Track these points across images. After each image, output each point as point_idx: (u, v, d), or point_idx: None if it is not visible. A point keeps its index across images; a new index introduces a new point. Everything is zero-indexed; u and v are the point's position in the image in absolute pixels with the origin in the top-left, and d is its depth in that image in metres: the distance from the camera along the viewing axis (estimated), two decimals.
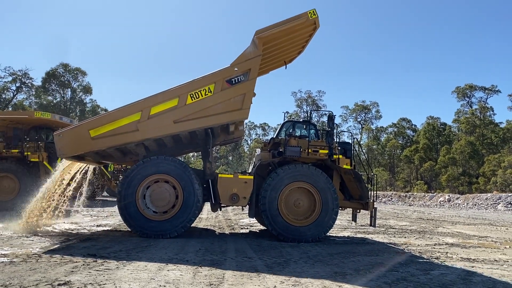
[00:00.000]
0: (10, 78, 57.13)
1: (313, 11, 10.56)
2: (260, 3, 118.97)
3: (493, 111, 59.01)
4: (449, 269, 7.98)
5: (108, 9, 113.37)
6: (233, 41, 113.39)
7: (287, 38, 11.27)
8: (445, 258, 9.14)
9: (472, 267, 8.26)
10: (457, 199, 34.50)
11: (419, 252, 9.95)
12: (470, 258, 9.23)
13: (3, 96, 57.94)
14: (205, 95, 10.52)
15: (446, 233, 14.22)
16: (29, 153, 18.14)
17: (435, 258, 9.10)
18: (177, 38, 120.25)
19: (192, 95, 10.52)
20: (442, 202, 34.81)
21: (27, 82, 58.54)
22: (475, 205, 31.90)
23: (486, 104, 59.96)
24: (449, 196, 36.05)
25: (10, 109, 55.29)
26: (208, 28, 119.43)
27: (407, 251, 10.09)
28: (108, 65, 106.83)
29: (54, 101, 59.88)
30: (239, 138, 14.87)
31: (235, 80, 10.56)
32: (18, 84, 58.21)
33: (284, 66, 13.10)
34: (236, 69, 10.55)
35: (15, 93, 58.56)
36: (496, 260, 9.12)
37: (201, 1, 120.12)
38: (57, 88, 60.87)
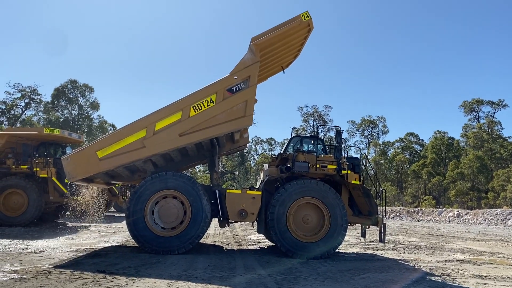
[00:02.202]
0: (19, 95, 58.01)
1: (306, 13, 10.68)
2: (259, 8, 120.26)
3: (501, 125, 58.71)
4: (461, 286, 7.87)
5: (115, 24, 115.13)
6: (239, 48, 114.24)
7: (283, 42, 11.38)
8: (457, 275, 9.02)
9: (485, 284, 8.15)
10: (466, 214, 34.08)
11: (430, 268, 9.83)
12: (482, 275, 9.11)
13: (12, 112, 58.68)
14: (208, 105, 10.61)
15: (456, 249, 14.04)
16: (38, 169, 18.27)
17: (446, 275, 8.98)
18: (181, 47, 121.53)
19: (195, 107, 10.62)
20: (451, 218, 34.40)
21: (35, 98, 59.35)
22: (485, 220, 31.49)
23: (493, 119, 59.71)
24: (458, 211, 35.61)
25: (18, 125, 55.94)
26: (213, 38, 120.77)
27: (417, 267, 9.97)
28: (114, 79, 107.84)
29: (62, 117, 60.49)
30: (244, 145, 14.94)
31: (235, 88, 10.66)
32: (26, 100, 59.01)
33: (282, 71, 13.24)
34: (235, 77, 10.65)
35: (23, 109, 59.33)
36: (508, 277, 8.98)
37: (204, 12, 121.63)
38: (66, 104, 61.59)
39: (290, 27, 10.69)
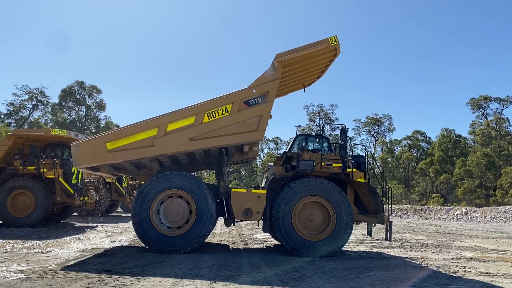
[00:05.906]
0: (26, 96, 58.53)
1: (334, 38, 10.65)
2: (262, 9, 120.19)
3: (509, 122, 58.15)
4: (468, 284, 7.82)
5: (121, 24, 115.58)
6: (253, 60, 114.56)
7: (307, 62, 11.39)
8: (464, 273, 8.95)
9: (492, 281, 8.08)
10: (474, 212, 33.82)
11: (437, 266, 9.76)
12: (489, 273, 9.03)
13: (20, 114, 59.20)
14: (222, 114, 10.62)
15: (464, 247, 13.94)
16: (45, 169, 18.38)
17: (453, 273, 8.92)
18: (186, 47, 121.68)
19: (209, 114, 10.63)
20: (459, 216, 34.16)
21: (43, 100, 59.83)
22: (493, 218, 31.23)
23: (501, 115, 59.19)
24: (466, 209, 35.35)
25: (26, 126, 56.43)
26: (218, 38, 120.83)
27: (424, 265, 9.91)
28: (119, 80, 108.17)
29: (70, 118, 60.91)
30: (253, 158, 14.89)
31: (252, 101, 10.66)
32: (34, 102, 59.51)
33: (303, 89, 13.17)
34: (254, 91, 10.65)
35: (31, 111, 59.84)
36: None
37: (210, 12, 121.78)
38: (73, 105, 62.03)
39: (316, 49, 10.69)
